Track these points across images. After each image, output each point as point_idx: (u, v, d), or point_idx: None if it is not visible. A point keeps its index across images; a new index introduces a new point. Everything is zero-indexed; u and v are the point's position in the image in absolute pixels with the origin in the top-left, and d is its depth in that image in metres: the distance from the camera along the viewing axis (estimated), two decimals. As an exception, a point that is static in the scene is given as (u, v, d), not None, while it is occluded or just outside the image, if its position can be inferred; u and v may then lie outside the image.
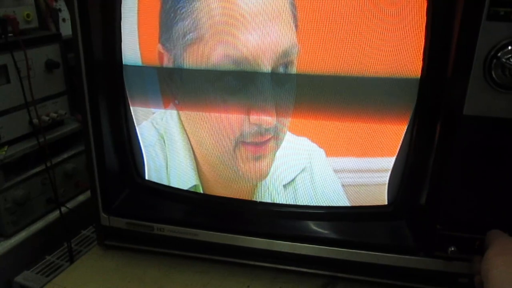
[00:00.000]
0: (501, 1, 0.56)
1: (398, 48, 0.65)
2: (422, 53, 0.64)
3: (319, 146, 0.73)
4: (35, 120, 1.01)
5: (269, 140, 0.75)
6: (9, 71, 0.96)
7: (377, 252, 0.75)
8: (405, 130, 0.70)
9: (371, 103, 0.69)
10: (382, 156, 0.73)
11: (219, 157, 0.78)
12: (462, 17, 0.59)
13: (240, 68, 0.70)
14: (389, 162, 0.73)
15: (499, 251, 0.60)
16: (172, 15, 0.71)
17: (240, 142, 0.75)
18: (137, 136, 0.83)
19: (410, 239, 0.74)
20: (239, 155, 0.76)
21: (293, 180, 0.78)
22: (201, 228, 0.82)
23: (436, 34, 0.63)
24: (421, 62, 0.65)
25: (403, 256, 0.74)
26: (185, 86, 0.75)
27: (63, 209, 1.05)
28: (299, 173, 0.77)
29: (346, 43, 0.66)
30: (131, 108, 0.81)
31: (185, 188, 0.83)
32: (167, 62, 0.75)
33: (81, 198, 1.15)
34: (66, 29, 1.16)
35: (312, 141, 0.73)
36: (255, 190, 0.80)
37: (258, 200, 0.80)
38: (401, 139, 0.71)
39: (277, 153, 0.76)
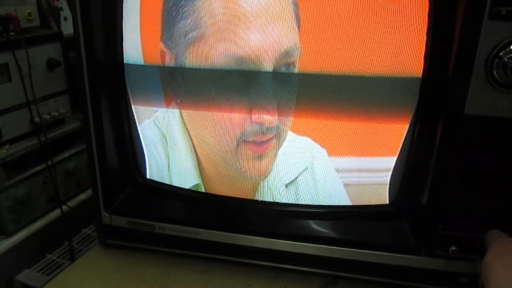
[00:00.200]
0: (503, 0, 0.56)
1: (400, 47, 0.65)
2: (423, 53, 0.64)
3: (321, 146, 0.73)
4: (37, 119, 1.01)
5: (270, 139, 0.75)
6: (10, 69, 0.96)
7: (378, 252, 0.75)
8: (407, 130, 0.70)
9: (372, 102, 0.69)
10: (384, 155, 0.73)
11: (221, 155, 0.78)
12: (464, 17, 0.59)
13: (242, 67, 0.70)
14: (390, 161, 0.73)
15: (498, 253, 0.60)
16: (174, 13, 0.71)
17: (242, 141, 0.75)
18: (138, 135, 0.83)
19: (411, 238, 0.74)
20: (241, 153, 0.76)
21: (295, 179, 0.78)
22: (202, 227, 0.82)
23: (438, 34, 0.63)
24: (423, 61, 0.65)
25: (404, 256, 0.74)
26: (187, 84, 0.75)
27: (64, 207, 1.05)
28: (301, 172, 0.77)
29: (348, 42, 0.66)
30: (132, 107, 0.81)
31: (187, 187, 0.83)
32: (169, 61, 0.75)
33: (82, 196, 1.15)
34: (67, 28, 1.16)
35: (315, 141, 0.73)
36: (257, 189, 0.80)
37: (260, 199, 0.80)
38: (403, 139, 0.71)
39: (279, 152, 0.76)
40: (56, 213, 1.07)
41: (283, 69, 0.70)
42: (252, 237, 0.80)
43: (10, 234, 0.99)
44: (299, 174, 0.77)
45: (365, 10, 0.64)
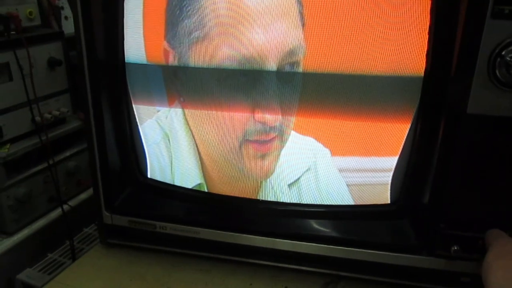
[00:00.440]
0: (506, -1, 0.56)
1: (402, 46, 0.65)
2: (425, 52, 0.64)
3: (324, 146, 0.73)
4: (38, 118, 1.01)
5: (273, 139, 0.74)
6: (11, 68, 0.96)
7: (380, 251, 0.75)
8: (409, 129, 0.70)
9: (375, 101, 0.69)
10: (386, 155, 0.73)
11: (224, 155, 0.78)
12: (466, 15, 0.59)
13: (246, 66, 0.70)
14: (392, 161, 0.73)
15: (498, 254, 0.60)
16: (178, 12, 0.71)
17: (245, 140, 0.75)
18: (139, 134, 0.83)
19: (413, 238, 0.74)
20: (244, 153, 0.76)
21: (297, 179, 0.77)
22: (203, 227, 0.82)
23: (440, 32, 0.63)
24: (425, 60, 0.65)
25: (406, 255, 0.74)
26: (191, 84, 0.75)
27: (65, 207, 1.05)
28: (304, 172, 0.77)
29: (352, 40, 0.66)
30: (133, 106, 0.81)
31: (190, 186, 0.83)
32: (172, 60, 0.75)
33: (83, 196, 1.15)
34: (68, 27, 1.16)
35: (318, 140, 0.73)
36: (260, 189, 0.80)
37: (263, 199, 0.80)
38: (405, 138, 0.70)
39: (282, 152, 0.76)
40: (57, 212, 1.07)
41: (287, 68, 0.70)
42: (253, 236, 0.80)
43: (11, 234, 0.99)
44: (302, 174, 0.77)
45: (368, 8, 0.64)
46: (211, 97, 0.74)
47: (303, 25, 0.67)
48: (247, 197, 0.81)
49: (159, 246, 0.87)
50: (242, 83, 0.72)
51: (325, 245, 0.78)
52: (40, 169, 1.03)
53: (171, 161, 0.82)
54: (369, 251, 0.76)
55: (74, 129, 1.12)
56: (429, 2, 0.62)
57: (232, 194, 0.81)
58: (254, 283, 0.81)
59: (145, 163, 0.85)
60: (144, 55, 0.76)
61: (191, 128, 0.78)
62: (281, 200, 0.80)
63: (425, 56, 0.64)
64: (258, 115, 0.73)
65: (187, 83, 0.76)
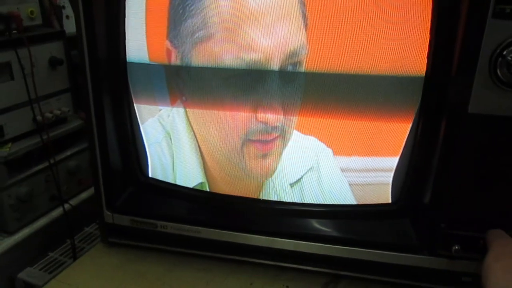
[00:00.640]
0: (507, -2, 0.56)
1: (403, 46, 0.65)
2: (427, 51, 0.64)
3: (326, 146, 0.73)
4: (39, 117, 1.01)
5: (275, 138, 0.74)
6: (13, 68, 0.96)
7: (381, 251, 0.75)
8: (410, 129, 0.70)
9: (376, 101, 0.69)
10: (387, 154, 0.73)
11: (226, 154, 0.78)
12: (468, 15, 0.59)
13: (249, 67, 0.70)
14: (394, 160, 0.73)
15: (498, 255, 0.59)
16: (181, 11, 0.71)
17: (247, 140, 0.75)
18: (140, 134, 0.83)
19: (414, 237, 0.74)
20: (246, 152, 0.76)
21: (300, 179, 0.77)
22: (204, 226, 0.82)
23: (441, 32, 0.63)
24: (426, 60, 0.65)
25: (407, 255, 0.74)
26: (193, 83, 0.75)
27: (66, 206, 1.05)
28: (306, 172, 0.77)
29: (355, 41, 0.66)
30: (135, 105, 0.81)
31: (192, 185, 0.83)
32: (175, 59, 0.75)
33: (84, 195, 1.15)
34: (69, 26, 1.16)
35: (320, 140, 0.73)
36: (262, 189, 0.80)
37: (265, 198, 0.80)
38: (406, 138, 0.70)
39: (284, 152, 0.76)
40: (58, 211, 1.07)
41: (290, 68, 0.70)
42: (254, 236, 0.80)
43: (12, 233, 0.99)
44: (304, 174, 0.77)
45: (369, 9, 0.64)
46: (214, 96, 0.74)
47: (306, 25, 0.67)
48: (249, 196, 0.81)
49: (160, 245, 0.87)
50: (244, 83, 0.72)
51: (326, 245, 0.78)
52: (41, 168, 1.03)
53: (173, 160, 0.82)
54: (370, 250, 0.76)
55: (75, 128, 1.12)
56: (431, 2, 0.62)
57: (233, 194, 0.81)
58: (255, 282, 0.81)
59: (147, 162, 0.85)
60: (146, 54, 0.76)
61: (193, 127, 0.78)
62: (283, 200, 0.80)
63: (426, 56, 0.64)
64: (260, 115, 0.73)
65: (189, 83, 0.76)
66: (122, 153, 0.85)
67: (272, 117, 0.73)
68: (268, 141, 0.75)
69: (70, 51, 1.09)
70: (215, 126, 0.76)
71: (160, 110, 0.80)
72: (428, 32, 0.63)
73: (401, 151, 0.72)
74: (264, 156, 0.76)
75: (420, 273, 0.74)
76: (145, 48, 0.76)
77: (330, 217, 0.79)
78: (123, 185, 0.87)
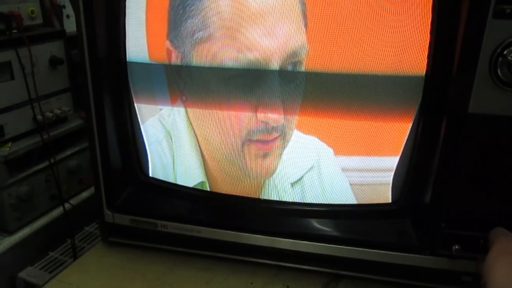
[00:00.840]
0: (508, -2, 0.56)
1: (404, 46, 0.65)
2: (427, 51, 0.64)
3: (327, 145, 0.73)
4: (39, 117, 1.01)
5: (276, 138, 0.75)
6: (13, 67, 0.96)
7: (381, 250, 0.75)
8: (410, 128, 0.70)
9: (377, 101, 0.69)
10: (388, 154, 0.73)
11: (226, 154, 0.78)
12: (468, 15, 0.59)
13: (249, 67, 0.70)
14: (394, 160, 0.73)
15: (500, 252, 0.59)
16: (181, 12, 0.71)
17: (247, 140, 0.75)
18: (141, 133, 0.83)
19: (414, 237, 0.74)
20: (246, 152, 0.76)
21: (300, 178, 0.77)
22: (205, 225, 0.82)
23: (442, 32, 0.63)
24: (427, 60, 0.65)
25: (407, 254, 0.74)
26: (194, 83, 0.75)
27: (66, 205, 1.05)
28: (307, 171, 0.77)
29: (355, 41, 0.66)
30: (135, 105, 0.81)
31: (192, 184, 0.83)
32: (175, 59, 0.75)
33: (84, 194, 1.15)
34: (70, 26, 1.16)
35: (321, 140, 0.73)
36: (262, 188, 0.80)
37: (266, 198, 0.80)
38: (406, 137, 0.70)
39: (285, 151, 0.76)
40: (58, 211, 1.07)
41: (290, 68, 0.70)
42: (254, 235, 0.80)
43: (12, 232, 0.99)
44: (305, 173, 0.77)
45: (370, 8, 0.64)
46: (214, 96, 0.74)
47: (305, 25, 0.67)
48: (250, 196, 0.81)
49: (160, 245, 0.87)
50: (244, 83, 0.72)
51: (326, 244, 0.78)
52: (41, 168, 1.04)
53: (173, 160, 0.82)
54: (370, 250, 0.76)
55: (75, 127, 1.12)
56: (431, 2, 0.62)
57: (234, 193, 0.81)
58: (255, 281, 0.81)
59: (147, 161, 0.85)
60: (147, 54, 0.76)
61: (194, 127, 0.78)
62: (284, 199, 0.80)
63: (426, 56, 0.65)
64: (261, 115, 0.73)
65: (190, 83, 0.76)
66: (123, 153, 0.85)
67: (273, 117, 0.73)
68: (269, 141, 0.75)
69: (71, 51, 1.10)
70: (215, 126, 0.76)
71: (160, 109, 0.80)
72: (429, 32, 0.63)
73: (401, 151, 0.72)
74: (265, 155, 0.76)
75: (420, 273, 0.74)
76: (146, 48, 0.76)
77: (331, 216, 0.79)
78: (124, 185, 0.87)
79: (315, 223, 0.79)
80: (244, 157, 0.77)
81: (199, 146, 0.80)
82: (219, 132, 0.76)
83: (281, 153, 0.76)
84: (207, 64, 0.72)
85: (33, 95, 0.99)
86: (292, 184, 0.78)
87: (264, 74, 0.70)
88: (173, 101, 0.78)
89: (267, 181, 0.79)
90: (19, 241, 0.98)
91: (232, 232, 0.81)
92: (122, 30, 0.76)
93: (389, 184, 0.74)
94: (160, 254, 0.87)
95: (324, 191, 0.77)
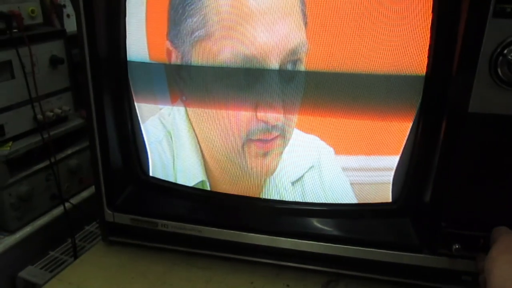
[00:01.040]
0: (508, -2, 0.56)
1: (404, 45, 0.65)
2: (427, 50, 0.64)
3: (328, 144, 0.73)
4: (39, 116, 1.01)
5: (276, 137, 0.75)
6: (13, 66, 0.96)
7: (381, 249, 0.75)
8: (410, 128, 0.70)
9: (377, 100, 0.69)
10: (388, 153, 0.73)
11: (226, 153, 0.78)
12: (468, 14, 0.59)
13: (248, 65, 0.70)
14: (394, 159, 0.73)
15: (503, 250, 0.60)
16: (180, 11, 0.71)
17: (248, 139, 0.75)
18: (141, 132, 0.83)
19: (414, 236, 0.74)
20: (247, 151, 0.76)
21: (301, 177, 0.77)
22: (205, 225, 0.82)
23: (442, 31, 0.63)
24: (427, 59, 0.65)
25: (407, 254, 0.74)
26: (193, 82, 0.76)
27: (67, 205, 1.05)
28: (307, 170, 0.77)
29: (354, 40, 0.66)
30: (135, 104, 0.81)
31: (192, 183, 0.83)
32: (175, 59, 0.75)
33: (84, 194, 1.15)
34: (70, 25, 1.16)
35: (321, 139, 0.73)
36: (263, 187, 0.80)
37: (266, 197, 0.80)
38: (406, 137, 0.70)
39: (285, 150, 0.76)
40: (59, 210, 1.07)
41: (289, 66, 0.70)
42: (254, 235, 0.81)
43: (13, 231, 0.99)
44: (305, 172, 0.77)
45: (370, 7, 0.64)
46: (214, 96, 0.75)
47: (305, 24, 0.67)
48: (250, 195, 0.81)
49: (160, 244, 0.87)
50: (244, 82, 0.72)
51: (327, 244, 0.78)
52: (42, 167, 1.04)
53: (173, 159, 0.82)
54: (371, 249, 0.76)
55: (76, 127, 1.12)
56: (431, 2, 0.62)
57: (235, 192, 0.81)
58: (256, 281, 0.81)
59: (147, 161, 0.85)
60: (147, 54, 0.76)
61: (194, 126, 0.79)
62: (285, 198, 0.80)
63: (427, 55, 0.64)
64: (261, 114, 0.73)
65: (189, 82, 0.76)
66: (123, 152, 0.85)
67: (273, 116, 0.73)
68: (269, 140, 0.75)
69: (71, 50, 1.10)
70: (215, 125, 0.76)
71: (160, 109, 0.80)
72: (429, 31, 0.63)
73: (401, 150, 0.72)
74: (265, 154, 0.76)
75: (420, 272, 0.75)
76: (146, 48, 0.76)
77: (331, 216, 0.79)
78: (124, 184, 0.87)
79: (316, 223, 0.79)
80: (244, 156, 0.77)
81: (199, 145, 0.80)
82: (219, 132, 0.76)
83: (281, 152, 0.76)
84: (206, 63, 0.72)
85: (34, 94, 0.99)
86: (293, 183, 0.78)
87: (264, 72, 0.70)
88: (173, 100, 0.78)
89: (267, 180, 0.79)
90: (19, 240, 0.98)
91: (233, 232, 0.82)
92: (123, 30, 0.76)
93: (389, 184, 0.75)
94: (161, 254, 0.87)
95: (325, 190, 0.77)
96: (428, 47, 0.64)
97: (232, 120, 0.75)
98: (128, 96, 0.81)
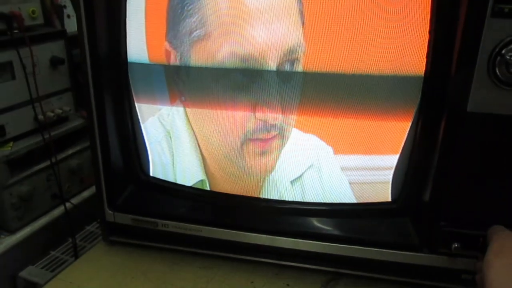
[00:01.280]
0: (506, -2, 0.56)
1: (403, 45, 0.65)
2: (426, 50, 0.65)
3: (327, 144, 0.74)
4: (40, 116, 1.01)
5: (274, 137, 0.75)
6: (14, 67, 0.96)
7: (381, 249, 0.75)
8: (409, 127, 0.70)
9: (376, 100, 0.69)
10: (387, 153, 0.73)
11: (225, 153, 0.78)
12: (467, 14, 0.59)
13: (246, 65, 0.71)
14: (393, 159, 0.73)
15: (497, 250, 0.59)
16: (179, 11, 0.71)
17: (246, 139, 0.76)
18: (141, 132, 0.83)
19: (414, 236, 0.74)
20: (245, 151, 0.77)
21: (300, 176, 0.78)
22: (205, 224, 0.83)
23: (441, 31, 0.63)
24: (425, 59, 0.65)
25: (407, 253, 0.74)
26: (192, 83, 0.76)
27: (67, 205, 1.05)
28: (307, 169, 0.77)
29: (352, 40, 0.66)
30: (136, 104, 0.81)
31: (192, 183, 0.83)
32: (174, 60, 0.75)
33: (85, 194, 1.15)
34: (71, 26, 1.16)
35: (321, 138, 0.74)
36: (263, 186, 0.80)
37: (265, 197, 0.81)
38: (405, 136, 0.71)
39: (284, 149, 0.76)
40: (59, 210, 1.07)
41: (287, 67, 0.70)
42: (255, 234, 0.81)
43: (14, 231, 0.99)
44: (304, 171, 0.77)
45: (368, 7, 0.64)
46: (212, 96, 0.75)
47: (302, 23, 0.67)
48: (250, 194, 0.81)
49: (161, 244, 0.87)
50: (242, 82, 0.72)
51: (327, 243, 0.78)
52: (42, 167, 1.04)
53: (173, 159, 0.83)
54: (370, 248, 0.76)
55: (76, 127, 1.13)
56: (430, 2, 0.62)
57: (234, 192, 0.82)
58: (256, 280, 0.81)
59: (148, 161, 0.85)
60: (146, 55, 0.77)
61: (193, 126, 0.79)
62: (285, 197, 0.80)
63: (425, 55, 0.65)
64: (259, 114, 0.73)
65: (188, 83, 0.76)
66: (123, 152, 0.85)
67: (271, 116, 0.73)
68: (267, 139, 0.75)
69: (71, 51, 1.10)
70: (214, 125, 0.76)
71: (160, 109, 0.80)
72: (428, 31, 0.64)
73: (400, 149, 0.72)
74: (263, 153, 0.77)
75: (420, 271, 0.75)
76: (145, 49, 0.76)
77: (330, 215, 0.79)
78: (124, 184, 0.88)
79: (315, 222, 0.80)
80: (243, 155, 0.77)
81: (198, 145, 0.80)
82: (218, 132, 0.77)
83: (280, 151, 0.76)
84: (205, 64, 0.73)
85: (34, 94, 0.99)
86: (292, 182, 0.78)
87: (262, 73, 0.71)
88: (172, 101, 0.79)
89: (267, 179, 0.79)
90: (20, 240, 0.98)
91: (233, 231, 0.82)
92: (123, 30, 0.77)
93: (388, 183, 0.75)
94: (161, 253, 0.87)
95: (324, 189, 0.77)
96: (427, 47, 0.64)
97: (230, 120, 0.75)
98: (128, 96, 0.81)
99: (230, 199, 0.83)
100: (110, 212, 0.86)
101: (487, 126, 0.63)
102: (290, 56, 0.69)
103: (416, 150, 0.71)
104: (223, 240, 0.82)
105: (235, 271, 0.83)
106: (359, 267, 0.79)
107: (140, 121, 0.82)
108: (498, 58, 0.59)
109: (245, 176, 0.79)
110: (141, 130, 0.83)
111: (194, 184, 0.83)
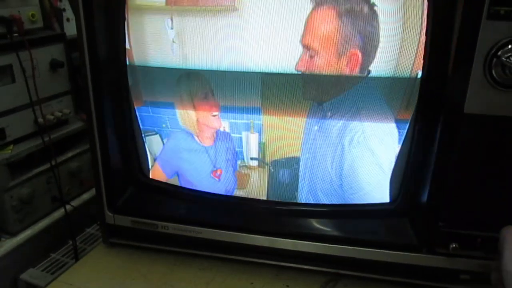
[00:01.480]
0: (501, 0, 0.57)
1: (400, 47, 0.65)
2: (423, 52, 0.65)
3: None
4: (40, 119, 1.02)
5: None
6: (14, 70, 0.97)
7: (379, 249, 0.76)
8: (407, 128, 0.70)
9: (373, 101, 0.69)
10: (386, 153, 0.73)
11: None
12: (463, 16, 0.60)
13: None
14: (392, 159, 0.73)
15: None
16: None
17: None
18: (141, 135, 0.83)
19: (412, 236, 0.74)
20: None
21: (299, 175, 0.78)
22: (205, 226, 0.83)
23: (437, 33, 0.63)
24: (422, 61, 0.65)
25: (405, 253, 0.75)
26: (192, 85, 0.76)
27: (68, 207, 1.06)
28: (305, 168, 0.77)
29: (351, 41, 0.66)
30: (135, 107, 0.81)
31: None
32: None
33: (85, 196, 1.15)
34: (70, 29, 1.16)
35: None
36: (262, 186, 0.81)
37: (266, 197, 0.81)
38: (403, 137, 0.71)
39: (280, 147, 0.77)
40: (60, 212, 1.07)
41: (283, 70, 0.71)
42: (254, 235, 0.81)
43: (14, 234, 0.99)
44: (304, 171, 0.78)
45: (367, 8, 0.65)
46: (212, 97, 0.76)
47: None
48: (250, 195, 0.82)
49: (161, 246, 0.87)
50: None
51: (326, 244, 0.78)
52: (43, 170, 1.04)
53: None
54: (369, 249, 0.76)
55: (76, 130, 1.13)
56: (426, 4, 0.63)
57: (235, 194, 0.82)
58: (255, 282, 0.81)
59: (147, 163, 0.86)
60: (146, 57, 0.77)
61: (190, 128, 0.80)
62: (284, 195, 0.81)
63: (422, 57, 0.65)
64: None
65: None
66: (123, 154, 0.86)
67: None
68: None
69: (71, 54, 1.10)
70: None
71: (159, 112, 0.81)
72: (424, 33, 0.64)
73: (398, 150, 0.72)
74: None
75: (418, 271, 0.75)
76: (145, 51, 0.77)
77: (329, 216, 0.80)
78: (124, 186, 0.88)
79: (314, 223, 0.80)
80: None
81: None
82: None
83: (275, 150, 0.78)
84: (205, 66, 0.73)
85: (34, 98, 0.99)
86: (291, 181, 0.79)
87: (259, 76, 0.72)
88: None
89: (266, 178, 0.80)
90: (21, 243, 0.98)
91: (232, 233, 0.82)
92: (122, 33, 0.77)
93: (386, 183, 0.75)
94: (161, 255, 0.87)
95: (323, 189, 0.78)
96: (423, 48, 0.65)
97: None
98: (127, 99, 0.81)
99: (230, 201, 0.83)
100: (110, 214, 0.87)
101: (484, 127, 0.63)
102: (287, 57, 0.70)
103: (414, 151, 0.71)
104: (223, 241, 0.83)
105: (235, 273, 0.83)
106: (358, 268, 0.79)
107: (140, 123, 0.83)
108: (494, 59, 0.59)
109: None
110: (140, 132, 0.83)
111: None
